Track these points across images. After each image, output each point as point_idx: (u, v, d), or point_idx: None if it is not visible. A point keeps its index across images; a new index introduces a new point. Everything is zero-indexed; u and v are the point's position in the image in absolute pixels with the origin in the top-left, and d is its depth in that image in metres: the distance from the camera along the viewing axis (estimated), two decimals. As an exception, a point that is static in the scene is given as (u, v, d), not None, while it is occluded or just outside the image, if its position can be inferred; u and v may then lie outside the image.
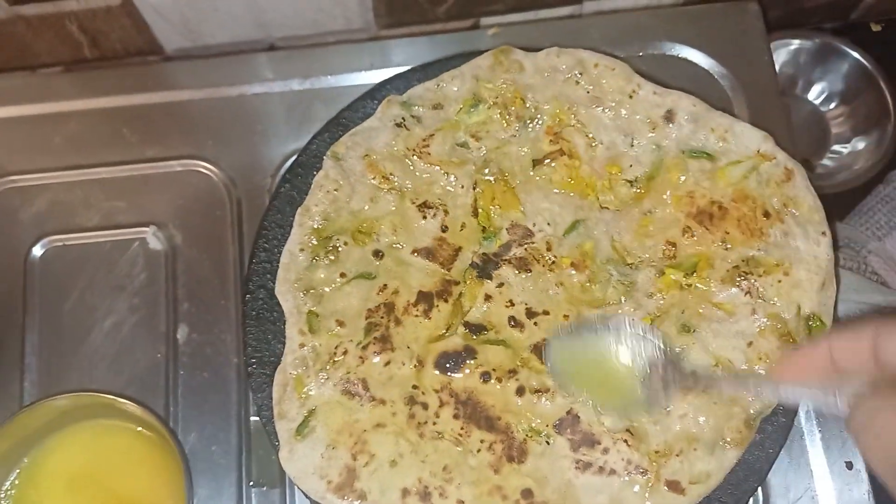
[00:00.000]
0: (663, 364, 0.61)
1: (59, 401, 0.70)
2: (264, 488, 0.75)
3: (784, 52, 1.12)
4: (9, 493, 0.71)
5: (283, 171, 0.82)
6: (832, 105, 1.14)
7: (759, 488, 0.71)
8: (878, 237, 1.01)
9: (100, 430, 0.73)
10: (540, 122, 0.77)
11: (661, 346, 0.61)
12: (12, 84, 0.89)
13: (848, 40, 1.11)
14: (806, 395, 0.52)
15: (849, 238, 1.02)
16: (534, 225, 0.76)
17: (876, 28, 1.15)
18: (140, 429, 0.73)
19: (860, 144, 1.11)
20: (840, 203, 1.08)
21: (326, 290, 0.73)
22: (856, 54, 1.09)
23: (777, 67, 1.13)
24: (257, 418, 0.74)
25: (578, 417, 0.68)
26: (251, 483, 0.75)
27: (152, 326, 0.79)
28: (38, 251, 0.81)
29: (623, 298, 0.72)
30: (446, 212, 0.75)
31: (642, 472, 0.66)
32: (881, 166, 1.07)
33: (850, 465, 0.73)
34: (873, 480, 0.72)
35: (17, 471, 0.72)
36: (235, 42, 0.96)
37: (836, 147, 1.13)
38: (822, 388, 0.48)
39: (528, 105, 0.77)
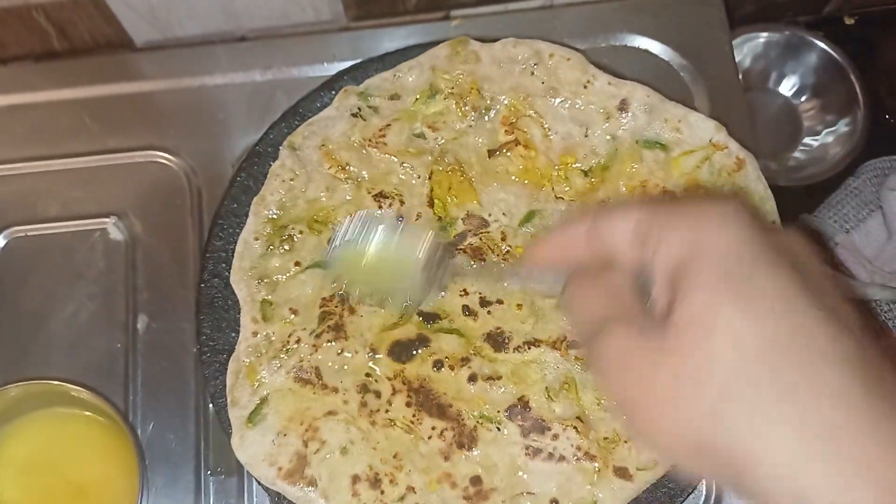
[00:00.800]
0: (438, 252, 0.60)
1: (11, 390, 0.71)
2: (222, 476, 0.75)
3: (755, 45, 1.12)
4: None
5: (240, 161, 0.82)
6: (803, 98, 1.14)
7: (711, 476, 0.72)
8: (846, 230, 1.01)
9: (53, 418, 0.73)
10: (496, 112, 0.77)
11: (434, 238, 0.60)
12: (-23, 77, 0.89)
13: (821, 34, 1.11)
14: (547, 281, 0.51)
15: (818, 230, 1.02)
16: (489, 215, 0.76)
17: (849, 21, 1.15)
18: (94, 416, 0.73)
19: (830, 137, 1.11)
20: (811, 196, 1.08)
21: (281, 278, 0.73)
22: (825, 46, 1.09)
23: (749, 61, 1.14)
24: (212, 405, 0.74)
25: (529, 404, 0.69)
26: (209, 471, 0.75)
27: (111, 315, 0.79)
28: (0, 241, 0.81)
29: (576, 287, 0.72)
30: (402, 202, 0.76)
31: (591, 459, 0.66)
32: (851, 159, 1.08)
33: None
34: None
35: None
36: (206, 34, 0.96)
37: (807, 140, 1.13)
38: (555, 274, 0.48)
39: (484, 95, 0.77)
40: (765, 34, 1.10)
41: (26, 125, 0.86)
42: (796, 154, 1.13)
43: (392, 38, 0.87)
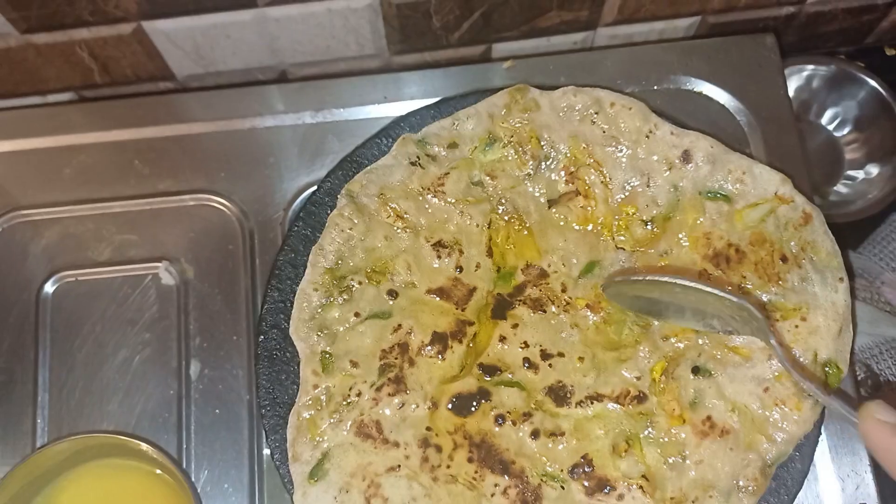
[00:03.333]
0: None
1: (66, 443, 0.70)
2: (278, 530, 0.74)
3: (797, 77, 1.11)
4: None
5: (296, 205, 0.81)
6: (846, 131, 1.13)
7: (775, 533, 0.71)
8: (893, 268, 1.00)
9: (111, 471, 0.73)
10: (555, 161, 0.76)
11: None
12: (23, 116, 0.88)
13: (862, 65, 1.10)
14: None
15: (862, 268, 1.01)
16: (549, 265, 0.75)
17: (891, 52, 1.14)
18: (154, 469, 0.73)
19: (874, 171, 1.10)
20: (854, 232, 1.07)
21: (340, 329, 0.72)
22: (871, 81, 1.08)
23: (792, 92, 1.13)
24: (269, 455, 0.73)
25: (593, 462, 0.68)
26: (265, 525, 0.74)
27: (164, 362, 0.79)
28: (49, 287, 0.81)
29: (638, 340, 0.72)
30: (461, 251, 0.75)
31: (658, 520, 0.66)
32: (896, 194, 1.07)
33: (865, 509, 0.73)
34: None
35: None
36: (248, 68, 0.96)
37: (850, 173, 1.12)
38: None
39: (543, 144, 0.76)
40: (810, 66, 1.09)
41: (73, 167, 0.85)
42: (838, 188, 1.12)
43: (443, 79, 0.86)
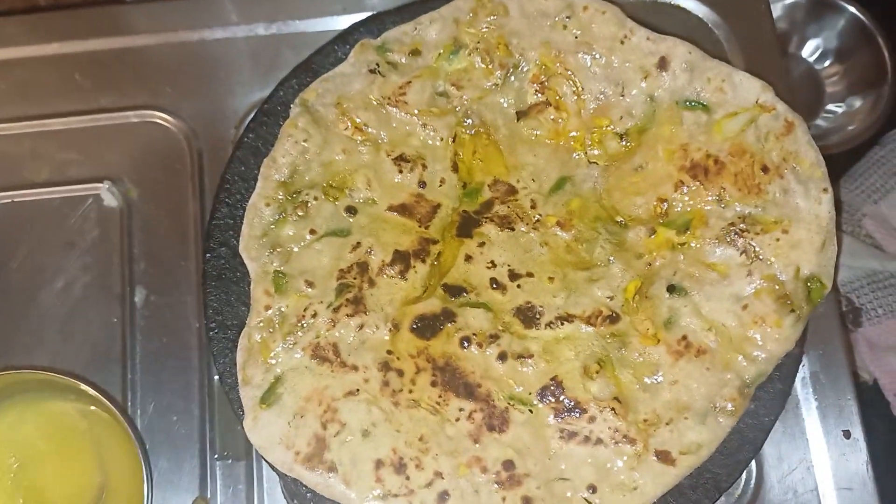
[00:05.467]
0: None
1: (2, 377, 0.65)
2: (229, 461, 0.70)
3: (779, 6, 1.07)
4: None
5: (247, 123, 0.76)
6: (827, 63, 1.10)
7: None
8: (874, 200, 0.98)
9: (41, 408, 0.68)
10: (525, 70, 0.72)
11: None
12: (-47, 27, 0.82)
13: (846, -5, 1.06)
14: None
15: (843, 201, 0.99)
16: (518, 181, 0.71)
17: (877, -19, 1.11)
18: (89, 406, 0.68)
19: (855, 104, 1.07)
20: (834, 165, 1.03)
21: (295, 248, 0.68)
22: (853, 9, 1.05)
23: (771, 23, 1.09)
24: (218, 382, 0.69)
25: (563, 384, 0.64)
26: (215, 456, 0.70)
27: (107, 288, 0.74)
28: (-15, 206, 0.75)
29: (612, 259, 0.68)
30: (424, 166, 0.70)
31: (630, 442, 0.62)
32: (877, 128, 1.04)
33: (847, 434, 0.70)
34: (871, 450, 0.69)
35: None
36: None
37: (830, 106, 1.09)
38: None
39: (512, 51, 0.71)
40: (792, -5, 1.05)
41: (10, 83, 0.79)
42: (818, 122, 1.09)
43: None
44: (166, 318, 0.73)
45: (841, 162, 1.03)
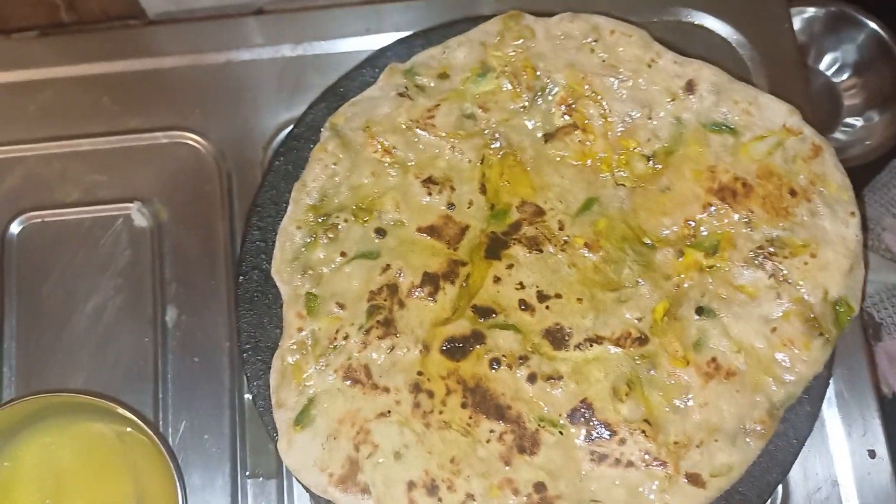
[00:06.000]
0: None
1: (33, 401, 0.66)
2: (261, 479, 0.71)
3: (798, 20, 1.07)
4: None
5: (276, 143, 0.77)
6: (845, 76, 1.10)
7: (781, 478, 0.69)
8: (893, 214, 0.98)
9: (78, 431, 0.68)
10: (552, 92, 0.72)
11: None
12: (-17, 50, 0.83)
13: (863, 8, 1.06)
14: None
15: (862, 215, 0.99)
16: (545, 202, 0.71)
17: (890, -5, 1.11)
18: (125, 428, 0.68)
19: (874, 117, 1.07)
20: (853, 178, 1.04)
21: (325, 270, 0.68)
22: (871, 23, 1.05)
23: (790, 36, 1.09)
24: (252, 405, 0.69)
25: (593, 406, 0.65)
26: (247, 474, 0.71)
27: (138, 309, 0.74)
28: (15, 228, 0.76)
29: (640, 280, 0.68)
30: (452, 188, 0.71)
31: (661, 465, 0.63)
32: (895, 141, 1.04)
33: (872, 454, 0.70)
34: (897, 469, 0.70)
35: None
36: (221, 5, 0.90)
37: (848, 120, 1.09)
38: None
39: (539, 74, 0.72)
40: (811, 9, 1.05)
41: (39, 104, 0.80)
42: (837, 135, 1.09)
43: (428, 10, 0.81)
44: (197, 338, 0.74)
45: (859, 175, 1.03)
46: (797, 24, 1.08)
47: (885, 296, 0.95)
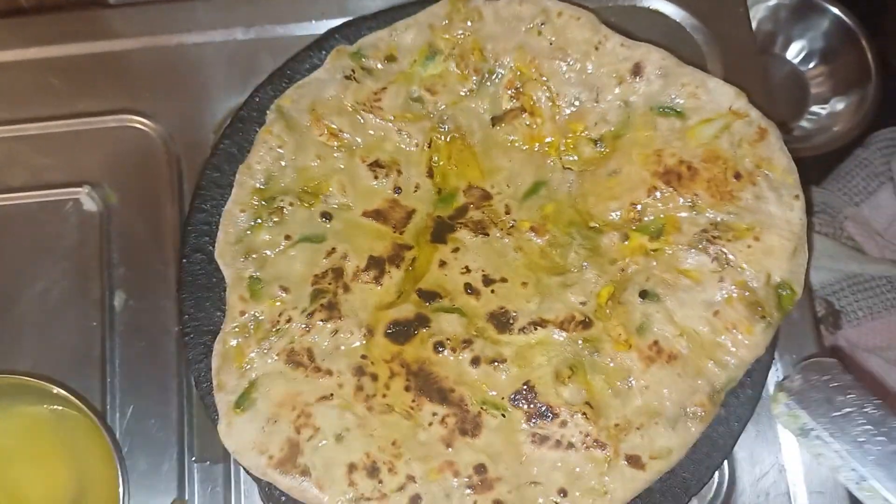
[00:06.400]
0: None
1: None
2: (207, 463, 0.71)
3: (763, 7, 1.07)
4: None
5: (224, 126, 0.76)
6: (812, 64, 1.10)
7: (725, 461, 0.68)
8: (855, 202, 0.98)
9: (16, 414, 0.68)
10: (500, 75, 0.72)
11: None
12: (-70, 31, 0.82)
13: (830, -5, 1.06)
14: None
15: (825, 203, 0.99)
16: (492, 187, 0.71)
17: (856, -18, 1.10)
18: (66, 410, 0.68)
19: (840, 105, 1.07)
20: (818, 166, 1.04)
21: (270, 253, 0.68)
22: (837, 11, 1.05)
23: (755, 24, 1.09)
24: (196, 390, 0.69)
25: (535, 389, 0.64)
26: (193, 458, 0.71)
27: (86, 293, 0.74)
28: (-38, 211, 0.75)
29: (585, 264, 0.68)
30: (399, 172, 0.70)
31: (601, 447, 0.63)
32: (861, 129, 1.04)
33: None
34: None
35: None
36: (181, -11, 0.89)
37: (814, 108, 1.09)
38: None
39: (487, 57, 0.72)
40: (775, -4, 1.05)
41: (-12, 86, 0.79)
42: (803, 123, 1.09)
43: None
44: (145, 322, 0.73)
45: (825, 163, 1.04)
46: (763, 11, 1.08)
47: (846, 284, 0.95)
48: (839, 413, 0.61)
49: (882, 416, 0.60)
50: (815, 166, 1.03)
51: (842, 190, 1.00)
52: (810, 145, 1.04)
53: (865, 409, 0.61)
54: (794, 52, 1.10)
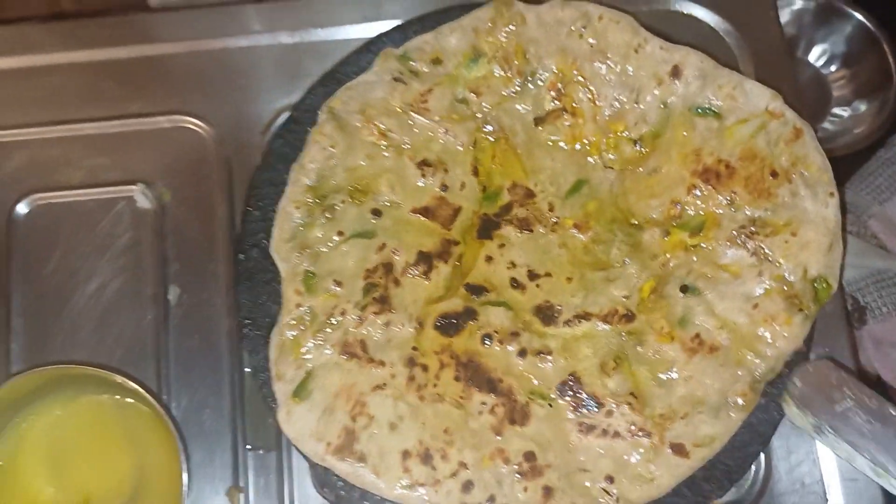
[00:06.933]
0: None
1: (39, 374, 0.68)
2: (260, 451, 0.73)
3: (787, 12, 1.09)
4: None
5: (274, 127, 0.79)
6: (833, 67, 1.12)
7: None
8: (879, 201, 1.00)
9: (83, 403, 0.71)
10: (542, 77, 0.74)
11: None
12: (-13, 35, 0.85)
13: (851, 0, 1.08)
14: None
15: (850, 202, 1.01)
16: (535, 185, 0.74)
17: (878, -13, 1.13)
18: (128, 399, 0.70)
19: (862, 107, 1.09)
20: (841, 167, 1.05)
21: (323, 249, 0.70)
22: (859, 16, 1.07)
23: (779, 28, 1.11)
24: (252, 380, 0.71)
25: (581, 380, 0.67)
26: (247, 447, 0.73)
27: (140, 288, 0.76)
28: (21, 209, 0.78)
29: (627, 259, 0.71)
30: (446, 170, 0.73)
31: (646, 435, 0.65)
32: (883, 130, 1.06)
33: (852, 429, 0.72)
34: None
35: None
36: (223, -6, 0.92)
37: (836, 110, 1.11)
38: None
39: (529, 59, 0.74)
40: (800, 1, 1.07)
41: (42, 89, 0.82)
42: (825, 125, 1.12)
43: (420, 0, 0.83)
44: (198, 316, 0.76)
45: (848, 164, 1.06)
46: (786, 16, 1.10)
47: (871, 280, 0.97)
48: (840, 409, 0.64)
49: (879, 405, 0.64)
50: (839, 167, 1.05)
51: (865, 190, 1.02)
52: (833, 146, 1.06)
53: (863, 402, 0.64)
54: (816, 55, 1.12)
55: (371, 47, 0.76)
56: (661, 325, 0.68)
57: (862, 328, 0.98)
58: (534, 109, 0.75)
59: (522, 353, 0.68)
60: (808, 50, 1.12)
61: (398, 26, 0.77)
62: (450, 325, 0.69)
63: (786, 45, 0.82)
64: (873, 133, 1.06)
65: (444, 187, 0.73)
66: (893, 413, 0.63)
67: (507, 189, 0.73)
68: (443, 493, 0.64)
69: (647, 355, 0.68)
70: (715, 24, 0.83)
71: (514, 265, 0.71)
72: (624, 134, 0.73)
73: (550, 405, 0.67)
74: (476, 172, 0.73)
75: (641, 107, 0.73)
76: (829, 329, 0.75)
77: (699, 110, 0.72)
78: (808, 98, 1.12)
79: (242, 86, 0.82)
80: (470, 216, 0.73)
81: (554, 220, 0.72)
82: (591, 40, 0.73)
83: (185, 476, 0.66)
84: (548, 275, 0.71)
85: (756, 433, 0.67)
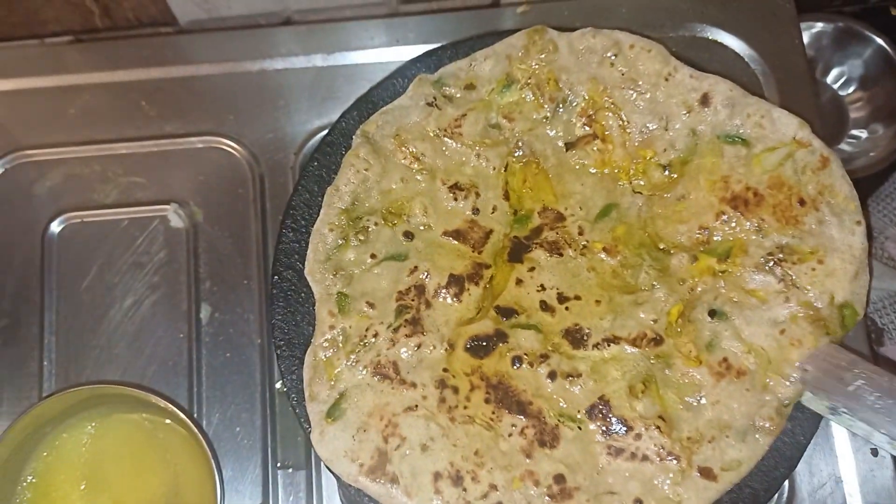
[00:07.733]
0: None
1: (74, 393, 0.69)
2: (290, 470, 0.74)
3: (806, 34, 1.11)
4: (29, 483, 0.70)
5: (307, 149, 0.80)
6: (851, 89, 1.13)
7: (787, 473, 0.72)
8: (896, 224, 1.01)
9: (118, 422, 0.72)
10: (573, 104, 0.76)
11: None
12: (23, 55, 0.86)
13: (868, 24, 1.10)
14: None
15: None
16: (566, 209, 0.75)
17: (895, 12, 1.15)
18: (164, 419, 0.72)
19: (879, 130, 1.11)
20: (858, 189, 1.07)
21: (356, 271, 0.72)
22: (878, 40, 1.08)
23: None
24: (282, 399, 0.73)
25: (610, 403, 0.68)
26: (277, 465, 0.74)
27: (173, 306, 0.78)
28: (55, 228, 0.79)
29: (655, 284, 0.72)
30: (477, 194, 0.74)
31: (674, 459, 0.66)
32: (900, 152, 1.07)
33: (874, 452, 0.74)
34: (899, 467, 0.73)
35: (34, 465, 0.71)
36: (251, 14, 0.94)
37: (854, 132, 1.13)
38: None
39: (561, 86, 0.75)
40: (819, 24, 1.09)
41: (77, 108, 0.83)
42: (842, 146, 1.13)
43: (455, 24, 0.85)
44: (230, 334, 0.77)
45: (864, 186, 1.07)
46: (806, 38, 1.11)
47: (888, 302, 0.99)
48: (853, 388, 0.65)
49: (890, 381, 0.65)
50: (856, 188, 1.06)
51: (882, 211, 1.04)
52: (850, 168, 1.07)
53: (874, 379, 0.65)
54: (834, 76, 1.13)
55: (404, 72, 0.77)
56: (689, 348, 0.69)
57: (880, 349, 0.99)
58: (564, 135, 0.76)
59: (552, 375, 0.69)
60: (826, 72, 1.14)
61: (430, 51, 0.78)
62: (480, 347, 0.70)
63: (811, 73, 0.84)
64: (890, 155, 1.07)
65: (476, 210, 0.74)
66: None
67: (538, 213, 0.75)
68: (474, 514, 0.65)
69: (674, 379, 0.69)
70: (740, 50, 0.84)
71: (543, 288, 0.72)
72: (653, 160, 0.75)
73: (580, 427, 0.68)
74: (507, 196, 0.75)
75: (670, 133, 0.74)
76: (851, 351, 0.76)
77: (728, 138, 0.73)
78: (826, 120, 1.13)
79: (276, 107, 0.83)
80: (501, 239, 0.74)
81: (583, 243, 0.73)
82: (621, 68, 0.75)
83: (218, 493, 0.67)
84: (577, 298, 0.72)
85: (783, 457, 0.68)
